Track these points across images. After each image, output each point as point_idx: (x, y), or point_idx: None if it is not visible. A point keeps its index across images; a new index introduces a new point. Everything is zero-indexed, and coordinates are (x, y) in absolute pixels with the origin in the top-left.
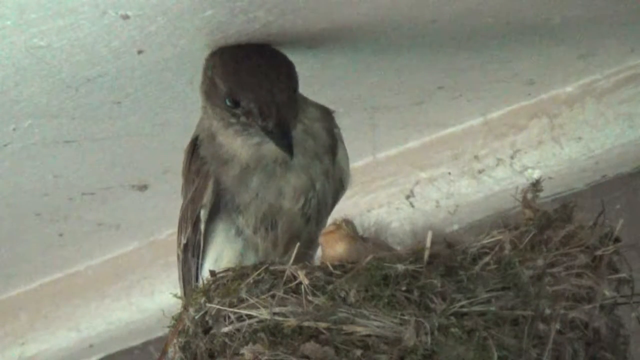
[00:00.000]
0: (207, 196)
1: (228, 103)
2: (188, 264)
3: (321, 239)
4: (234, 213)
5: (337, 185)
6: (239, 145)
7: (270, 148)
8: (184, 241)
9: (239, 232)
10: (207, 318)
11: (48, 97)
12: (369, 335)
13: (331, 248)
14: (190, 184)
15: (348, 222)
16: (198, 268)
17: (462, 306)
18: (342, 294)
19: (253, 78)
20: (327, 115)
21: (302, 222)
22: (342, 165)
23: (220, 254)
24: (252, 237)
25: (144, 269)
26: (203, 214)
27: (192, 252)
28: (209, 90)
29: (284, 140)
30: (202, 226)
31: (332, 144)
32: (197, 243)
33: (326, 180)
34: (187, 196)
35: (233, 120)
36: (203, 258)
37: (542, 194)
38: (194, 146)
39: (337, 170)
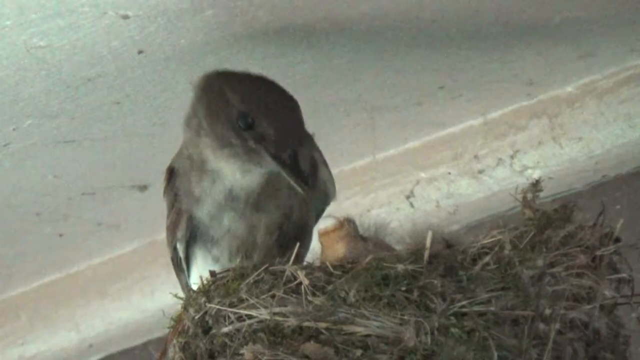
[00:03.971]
0: (181, 231)
1: (240, 123)
2: (178, 273)
3: (322, 239)
4: (209, 243)
5: (322, 198)
6: (229, 166)
7: (254, 180)
8: (170, 254)
9: (216, 259)
10: (207, 318)
11: (48, 97)
12: (369, 335)
13: (331, 247)
14: (168, 207)
15: (349, 221)
16: (186, 281)
17: (462, 306)
18: (342, 294)
19: (274, 105)
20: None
21: (280, 250)
22: (325, 181)
23: (202, 274)
24: (229, 264)
25: (144, 269)
26: (179, 247)
27: (177, 267)
28: (213, 106)
29: (299, 174)
30: (181, 254)
31: (312, 171)
32: (180, 262)
33: (305, 205)
34: (167, 217)
35: (236, 141)
36: (188, 275)
37: (542, 194)
38: (171, 175)
39: (319, 188)
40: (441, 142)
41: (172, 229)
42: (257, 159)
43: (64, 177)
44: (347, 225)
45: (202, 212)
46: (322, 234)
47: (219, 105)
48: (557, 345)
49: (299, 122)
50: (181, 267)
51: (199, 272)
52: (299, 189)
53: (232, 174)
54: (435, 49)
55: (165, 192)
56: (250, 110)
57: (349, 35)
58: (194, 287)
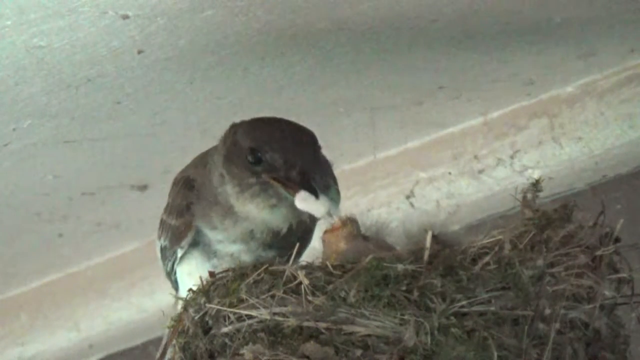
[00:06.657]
0: (186, 241)
1: (250, 159)
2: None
3: (324, 237)
4: (210, 254)
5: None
6: (255, 207)
7: (283, 212)
8: (161, 249)
9: (214, 267)
10: (207, 318)
11: (48, 97)
12: (369, 335)
13: (333, 246)
14: (172, 214)
15: (352, 221)
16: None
17: (462, 306)
18: (342, 294)
19: (278, 134)
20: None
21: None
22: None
23: (196, 272)
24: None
25: (144, 269)
26: (179, 252)
27: (169, 269)
28: (229, 153)
29: (310, 189)
30: (176, 263)
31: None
32: (175, 261)
33: (310, 229)
34: (169, 214)
35: (252, 180)
36: (179, 279)
37: (542, 194)
38: (191, 187)
39: None
40: (441, 142)
41: (174, 239)
42: (274, 192)
43: (64, 177)
44: (350, 225)
45: (213, 236)
46: (325, 232)
47: (233, 151)
48: (557, 345)
49: (312, 151)
50: (172, 268)
51: (193, 270)
52: (315, 213)
53: (260, 214)
54: (435, 49)
55: (176, 195)
56: (257, 145)
57: (349, 35)
58: (182, 281)
